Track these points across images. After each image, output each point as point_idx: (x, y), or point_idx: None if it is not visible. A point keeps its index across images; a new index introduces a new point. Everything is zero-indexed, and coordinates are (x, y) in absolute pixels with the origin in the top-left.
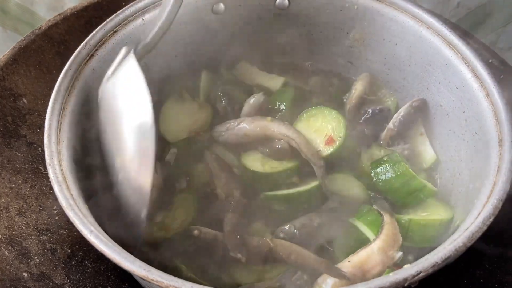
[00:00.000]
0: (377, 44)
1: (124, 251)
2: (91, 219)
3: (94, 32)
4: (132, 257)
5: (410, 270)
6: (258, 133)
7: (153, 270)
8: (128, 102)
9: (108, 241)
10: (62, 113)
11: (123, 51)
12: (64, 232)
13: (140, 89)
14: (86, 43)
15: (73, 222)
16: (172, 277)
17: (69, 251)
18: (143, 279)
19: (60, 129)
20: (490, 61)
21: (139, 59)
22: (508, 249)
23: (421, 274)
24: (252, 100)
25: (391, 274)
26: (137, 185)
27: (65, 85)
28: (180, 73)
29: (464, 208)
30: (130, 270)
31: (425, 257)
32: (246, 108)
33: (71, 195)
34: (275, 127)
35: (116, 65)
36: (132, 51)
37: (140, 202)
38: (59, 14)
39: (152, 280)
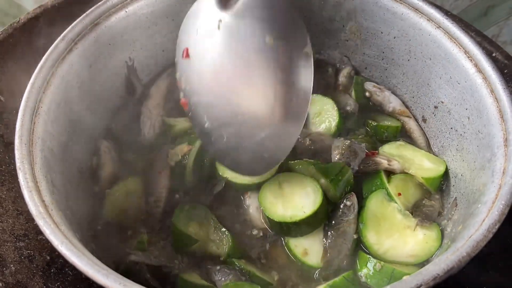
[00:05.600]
0: (374, 38)
1: (99, 263)
2: (64, 227)
3: (72, 24)
4: (106, 270)
5: (409, 283)
6: None
7: (129, 284)
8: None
9: (81, 253)
10: (36, 112)
11: None
12: (43, 237)
13: None
14: (64, 36)
15: (43, 232)
16: None
17: (48, 258)
18: None
19: (33, 130)
20: (494, 55)
21: None
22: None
23: (422, 287)
24: None
25: (388, 286)
26: None
27: (39, 82)
28: (167, 68)
29: (466, 213)
30: (103, 284)
31: (426, 267)
32: None
33: (43, 201)
34: None
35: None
36: None
37: None
38: (39, 7)
39: None
